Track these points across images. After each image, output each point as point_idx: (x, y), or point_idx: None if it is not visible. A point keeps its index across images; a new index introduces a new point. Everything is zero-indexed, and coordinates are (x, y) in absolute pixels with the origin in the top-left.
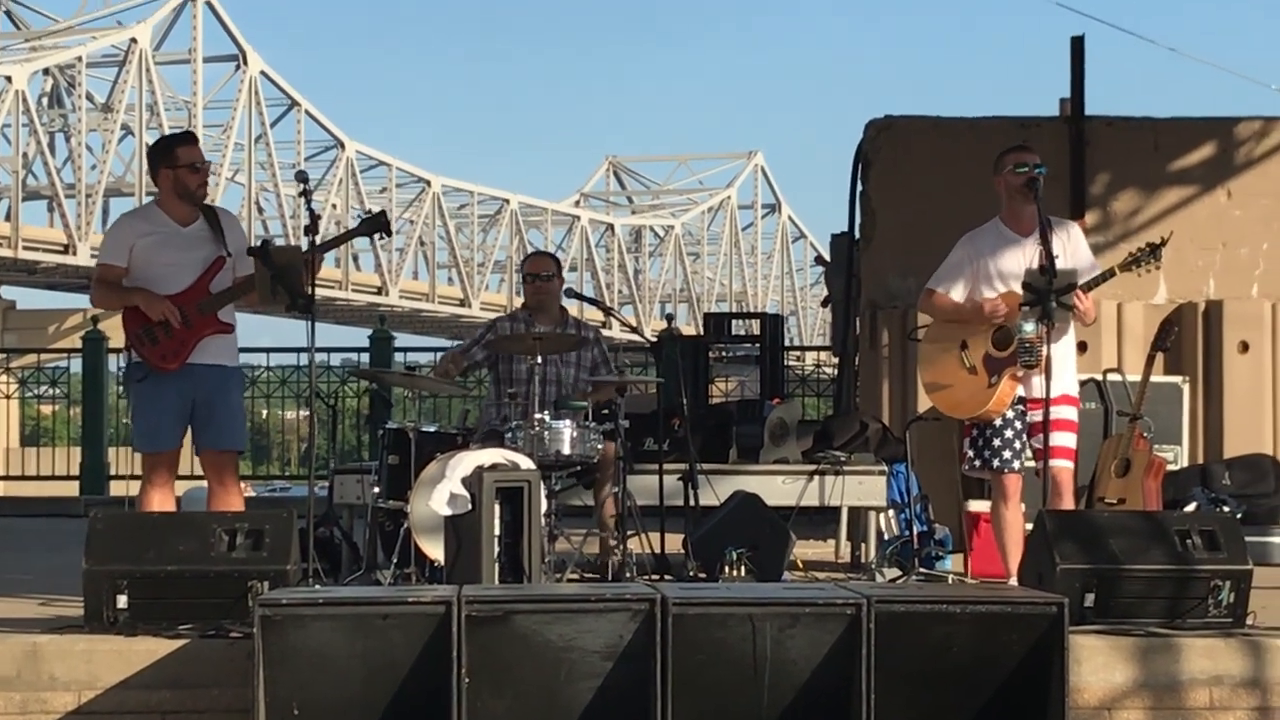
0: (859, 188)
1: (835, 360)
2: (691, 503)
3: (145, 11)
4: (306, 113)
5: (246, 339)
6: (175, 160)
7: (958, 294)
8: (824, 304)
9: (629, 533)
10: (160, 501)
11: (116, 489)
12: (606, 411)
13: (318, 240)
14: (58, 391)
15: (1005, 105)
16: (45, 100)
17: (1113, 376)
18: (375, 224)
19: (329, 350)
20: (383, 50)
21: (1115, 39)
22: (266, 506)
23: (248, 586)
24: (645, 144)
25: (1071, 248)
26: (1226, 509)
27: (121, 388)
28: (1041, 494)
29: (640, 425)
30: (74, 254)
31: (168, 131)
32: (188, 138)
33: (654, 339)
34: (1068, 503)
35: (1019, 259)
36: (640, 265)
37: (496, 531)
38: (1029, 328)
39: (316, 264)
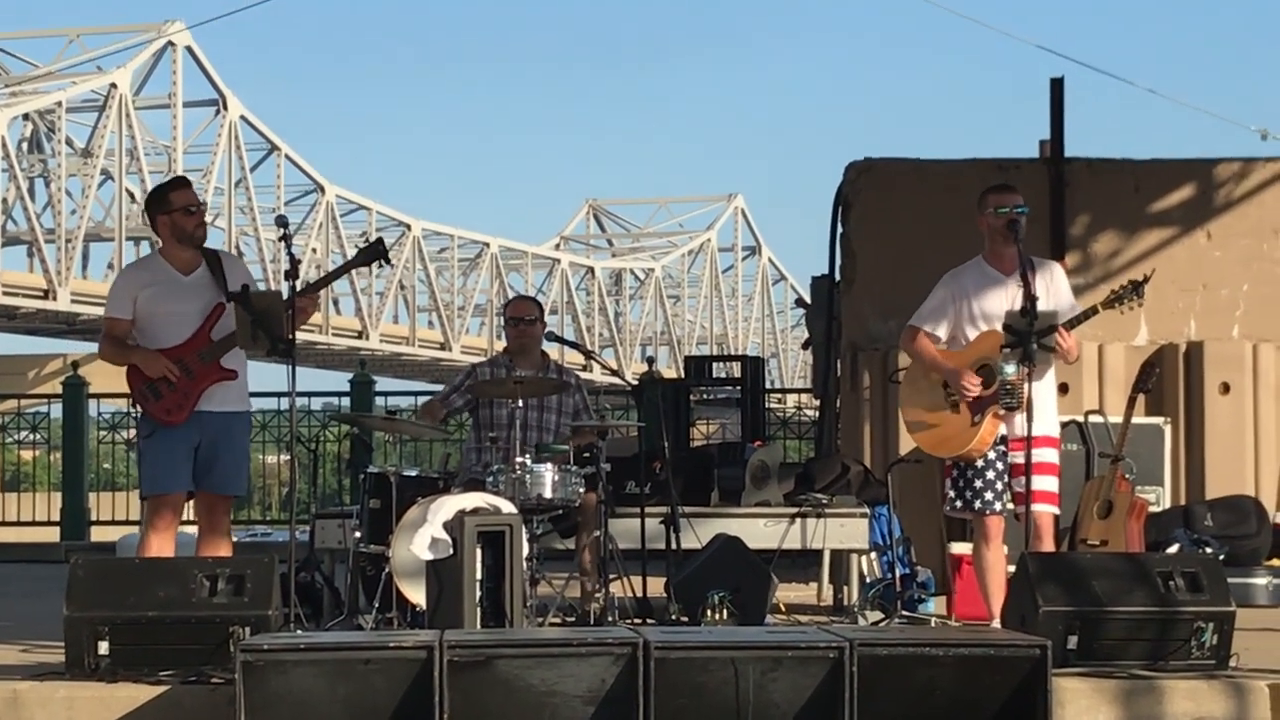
0: (839, 230)
1: (816, 402)
2: (673, 546)
3: (125, 57)
4: (287, 157)
5: None
6: (170, 205)
7: (941, 332)
8: (805, 346)
9: (611, 576)
10: (159, 547)
11: (97, 534)
12: (588, 455)
13: (298, 286)
14: (38, 437)
15: (985, 147)
16: (25, 145)
17: (1094, 418)
18: (374, 252)
19: (310, 394)
20: (363, 95)
21: (1095, 81)
22: (248, 552)
23: (229, 632)
24: (625, 187)
25: (1054, 288)
26: (1209, 550)
27: (103, 433)
28: (1024, 538)
29: (621, 468)
30: (54, 299)
31: (147, 176)
32: (180, 182)
33: (635, 382)
34: (1048, 547)
35: (1001, 299)
36: (621, 308)
37: (478, 576)
38: (1010, 369)
39: (310, 305)
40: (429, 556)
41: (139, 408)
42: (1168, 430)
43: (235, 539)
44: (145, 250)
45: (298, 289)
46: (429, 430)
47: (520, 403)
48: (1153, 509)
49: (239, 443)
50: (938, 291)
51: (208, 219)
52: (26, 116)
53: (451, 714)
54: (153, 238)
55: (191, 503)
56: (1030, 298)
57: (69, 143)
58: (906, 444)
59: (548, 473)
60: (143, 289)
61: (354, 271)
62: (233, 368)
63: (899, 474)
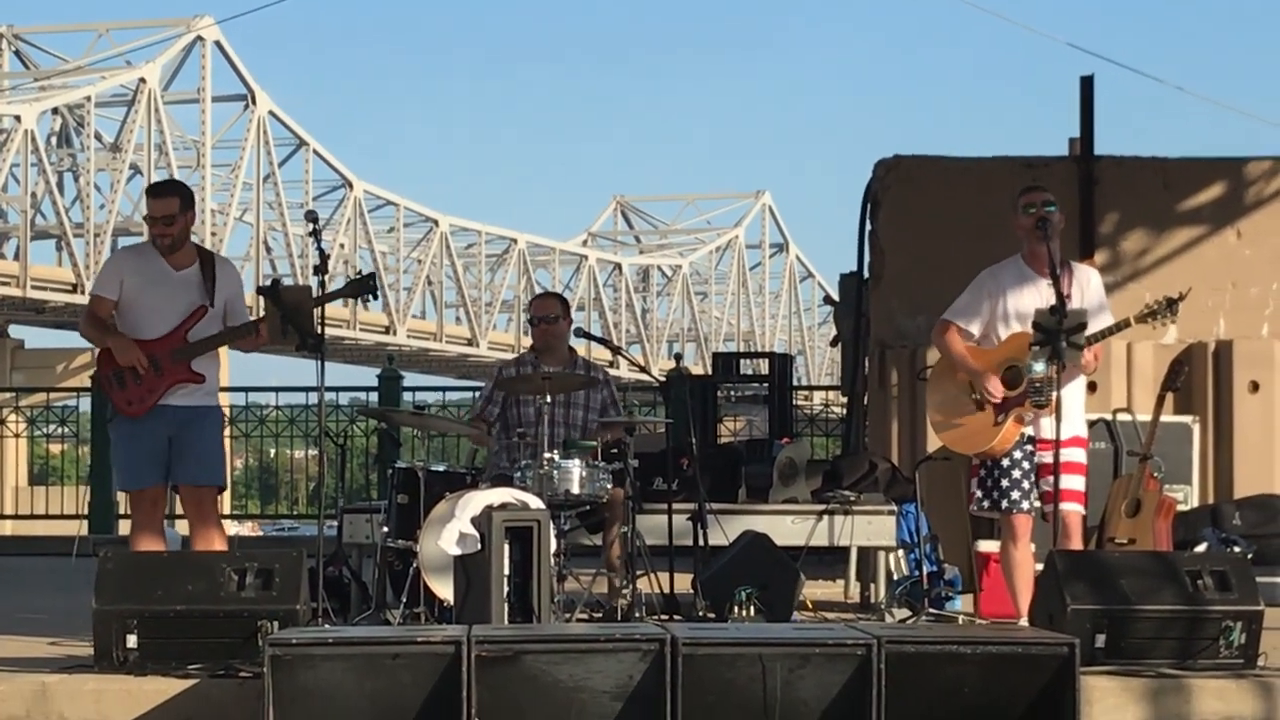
0: (868, 227)
1: (844, 400)
2: (700, 542)
3: (154, 51)
4: (315, 152)
5: (253, 379)
6: (147, 209)
7: (974, 328)
8: (832, 343)
9: (638, 573)
10: (149, 541)
11: (125, 528)
12: (615, 451)
13: (327, 281)
14: (66, 430)
15: (1014, 145)
16: (54, 140)
17: (1122, 416)
18: (362, 286)
19: (338, 389)
20: (391, 90)
21: (1125, 79)
22: (275, 546)
23: (257, 626)
24: (653, 184)
25: (1088, 292)
26: (1237, 549)
27: None
28: (1052, 537)
29: (649, 465)
30: (82, 293)
31: (176, 171)
32: (155, 189)
33: (662, 379)
34: (1076, 547)
35: (1036, 299)
36: (648, 305)
37: (506, 571)
38: (1039, 367)
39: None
40: (457, 552)
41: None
42: (1196, 429)
43: (263, 533)
44: None
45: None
46: (468, 432)
47: (548, 399)
48: (1181, 508)
49: (209, 433)
50: (973, 288)
51: (236, 214)
52: (56, 111)
53: (479, 709)
54: None
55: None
56: (1060, 296)
57: (98, 137)
58: (934, 442)
59: (575, 468)
60: (131, 275)
61: (381, 268)
62: (201, 372)
63: (926, 471)
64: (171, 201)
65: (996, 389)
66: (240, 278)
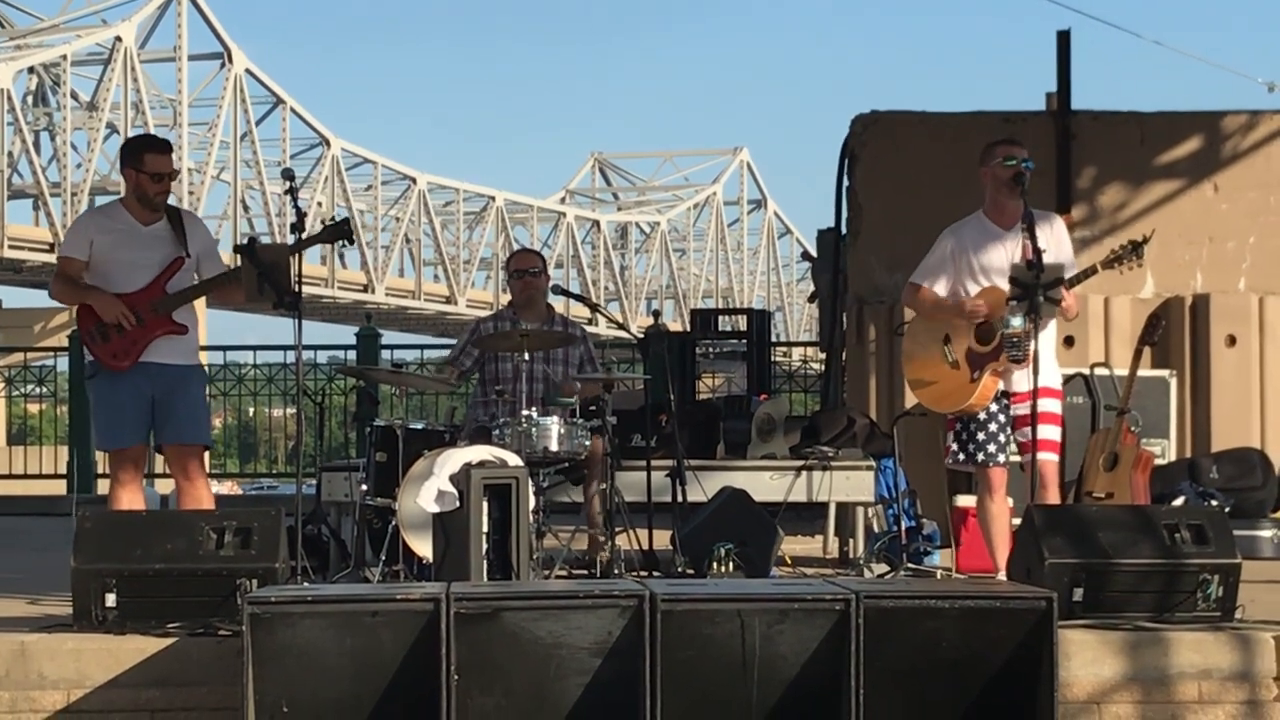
0: (845, 183)
1: (822, 356)
2: (679, 499)
3: (130, 9)
4: (292, 110)
5: (231, 337)
6: (141, 164)
7: (941, 288)
8: (810, 299)
9: (617, 529)
10: (129, 500)
11: (104, 487)
12: (594, 408)
13: (289, 240)
14: (44, 390)
15: (991, 100)
16: (30, 99)
17: (1100, 371)
18: (338, 231)
19: (316, 348)
20: (368, 48)
21: (1102, 33)
22: (254, 504)
23: (236, 585)
24: (631, 140)
25: (1055, 241)
26: (1215, 503)
27: None
28: (1028, 487)
29: (628, 421)
30: (59, 252)
31: (153, 129)
32: (159, 145)
33: (641, 335)
34: (1053, 495)
35: (1002, 253)
36: (626, 262)
37: (485, 528)
38: (1016, 322)
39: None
40: (435, 509)
41: (86, 349)
42: (1174, 383)
43: (241, 491)
44: None
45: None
46: (436, 385)
47: (526, 355)
48: (1158, 461)
49: (194, 392)
50: (937, 247)
51: (213, 173)
52: (32, 70)
53: (459, 666)
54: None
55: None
56: (1037, 250)
57: (74, 96)
58: (912, 397)
59: (554, 425)
60: (100, 234)
61: (359, 226)
62: (183, 323)
63: (904, 427)
64: (172, 158)
65: (979, 308)
66: (209, 231)
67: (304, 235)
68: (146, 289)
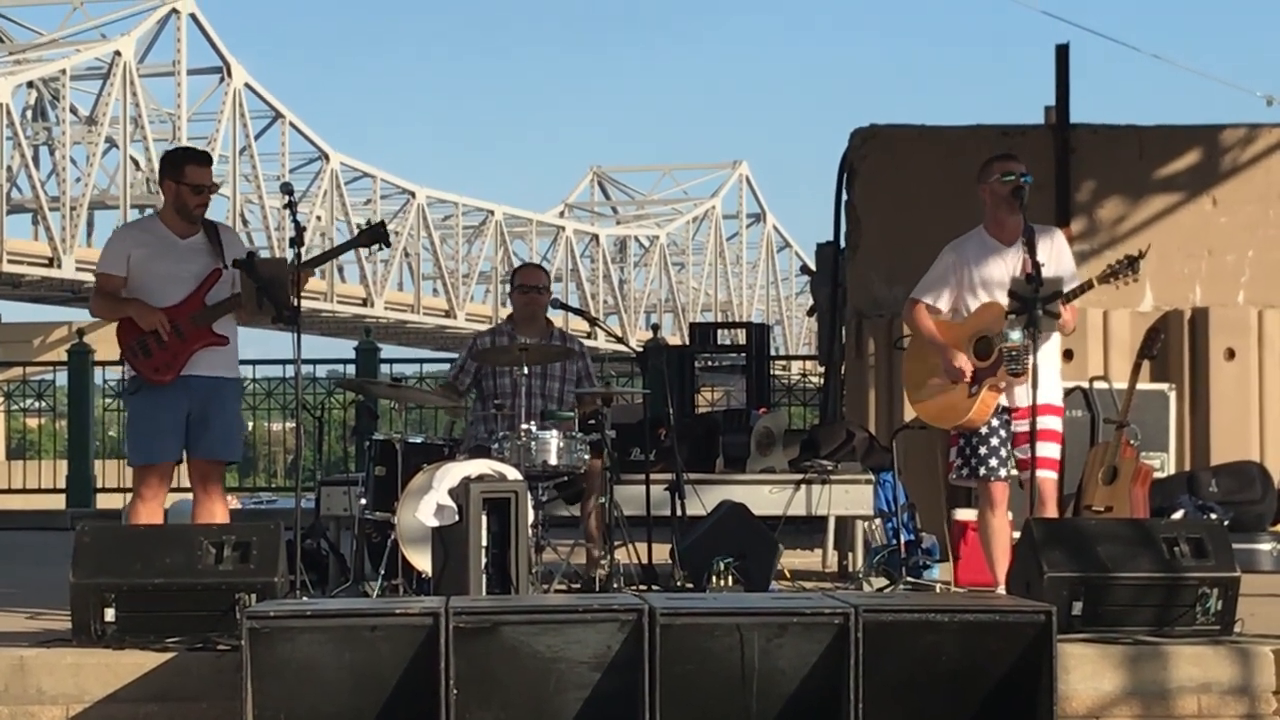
0: (844, 197)
1: (821, 369)
2: (678, 513)
3: (129, 24)
4: (291, 125)
5: None
6: (182, 176)
7: (943, 303)
8: (809, 313)
9: (616, 543)
10: (149, 515)
11: (103, 502)
12: (593, 422)
13: (303, 254)
14: (43, 404)
15: (990, 114)
16: (29, 113)
17: (1099, 384)
18: (375, 235)
19: (315, 362)
20: (367, 62)
21: (1101, 48)
22: (253, 519)
23: (235, 599)
24: (630, 154)
25: (1055, 254)
26: (1214, 516)
27: (108, 400)
28: (1027, 504)
29: (627, 435)
30: (59, 267)
31: (151, 144)
32: (200, 157)
33: (640, 349)
34: (1051, 513)
35: (1003, 268)
36: (625, 275)
37: (484, 542)
38: (1015, 336)
39: (304, 277)
40: (434, 523)
41: (127, 365)
42: (1173, 396)
43: (240, 506)
44: None
45: (301, 261)
46: (438, 400)
47: (525, 370)
48: (1157, 475)
49: (230, 407)
50: (938, 263)
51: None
52: (31, 84)
53: (457, 680)
54: (157, 206)
55: (183, 469)
56: (1035, 265)
57: (73, 110)
58: (910, 411)
59: (553, 439)
60: (137, 248)
61: None
62: (224, 334)
63: (904, 440)
64: (212, 171)
65: (965, 364)
66: (244, 243)
67: (302, 259)
68: (186, 302)
